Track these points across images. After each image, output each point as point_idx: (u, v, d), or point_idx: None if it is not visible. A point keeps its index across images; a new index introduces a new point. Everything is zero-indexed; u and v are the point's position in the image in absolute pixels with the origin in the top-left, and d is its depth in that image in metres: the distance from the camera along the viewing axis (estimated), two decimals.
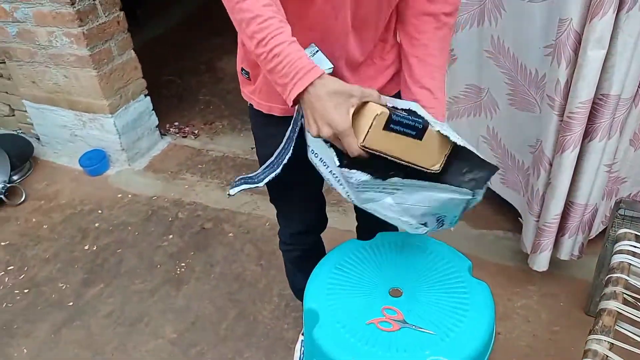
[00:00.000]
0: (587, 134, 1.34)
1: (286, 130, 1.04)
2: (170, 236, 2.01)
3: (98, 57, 2.12)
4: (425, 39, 0.98)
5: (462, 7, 1.50)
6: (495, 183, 1.81)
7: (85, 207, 2.20)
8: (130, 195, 2.24)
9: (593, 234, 1.64)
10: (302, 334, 1.49)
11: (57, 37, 2.08)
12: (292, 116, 1.02)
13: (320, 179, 1.22)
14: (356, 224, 1.43)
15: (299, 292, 1.47)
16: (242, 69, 1.06)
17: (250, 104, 1.10)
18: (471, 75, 1.65)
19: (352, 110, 0.80)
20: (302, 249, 1.30)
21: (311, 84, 0.78)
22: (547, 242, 1.53)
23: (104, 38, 2.12)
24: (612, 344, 1.03)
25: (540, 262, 1.58)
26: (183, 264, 1.88)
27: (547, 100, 1.35)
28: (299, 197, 1.20)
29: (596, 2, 1.13)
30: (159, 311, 1.71)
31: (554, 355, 1.45)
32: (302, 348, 1.46)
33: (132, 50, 2.28)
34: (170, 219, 2.09)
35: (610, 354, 1.02)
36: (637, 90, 1.31)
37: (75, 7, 1.96)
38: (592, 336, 1.06)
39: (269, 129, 1.08)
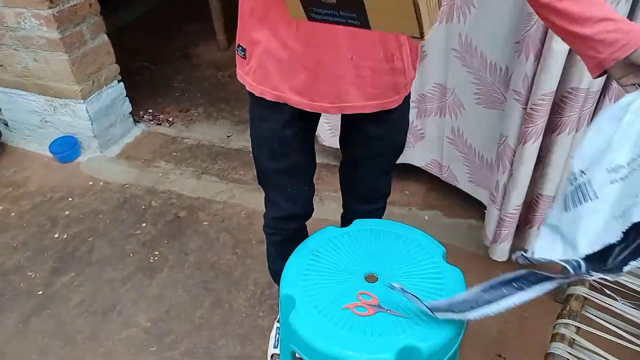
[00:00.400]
0: (556, 127, 1.37)
1: (277, 117, 1.04)
2: (144, 224, 1.98)
3: (69, 41, 2.06)
4: None
5: None
6: (463, 182, 1.85)
7: (56, 194, 2.15)
8: (102, 183, 2.20)
9: None
10: (278, 321, 1.49)
11: (26, 19, 2.01)
12: (283, 103, 1.02)
13: (314, 167, 1.22)
14: (338, 212, 1.44)
15: (276, 276, 1.47)
16: (239, 46, 1.03)
17: (251, 93, 1.08)
18: (438, 74, 1.66)
19: None
20: (284, 234, 1.30)
21: None
22: (507, 233, 1.57)
23: (75, 21, 2.06)
24: (579, 328, 1.06)
25: (500, 253, 1.62)
26: (157, 253, 1.86)
27: (514, 94, 1.38)
28: (290, 183, 1.19)
29: None
30: (132, 300, 1.69)
31: (524, 340, 1.49)
32: (277, 335, 1.47)
33: (104, 35, 2.22)
34: (143, 207, 2.06)
35: (577, 338, 1.05)
36: (610, 84, 1.34)
37: None
38: (560, 320, 1.09)
39: (262, 112, 1.08)
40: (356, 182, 1.30)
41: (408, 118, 1.19)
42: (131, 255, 1.85)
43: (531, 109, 1.32)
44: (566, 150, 1.39)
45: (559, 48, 1.21)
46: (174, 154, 2.37)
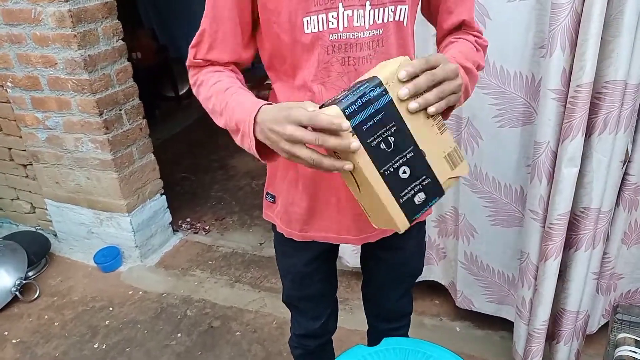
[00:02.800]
0: (572, 244, 1.42)
1: (301, 255, 1.14)
2: (179, 335, 2.03)
3: (120, 161, 2.27)
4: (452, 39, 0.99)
5: None
6: (480, 304, 1.84)
7: (97, 303, 2.25)
8: (141, 292, 2.30)
9: (595, 328, 1.69)
10: None
11: (84, 143, 2.24)
12: (310, 242, 1.10)
13: (335, 290, 1.29)
14: (366, 327, 1.46)
15: None
16: (267, 193, 1.13)
17: (276, 231, 1.16)
18: (452, 198, 1.72)
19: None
20: (307, 350, 1.35)
21: (254, 118, 0.80)
22: (537, 349, 1.56)
23: (126, 144, 2.28)
24: None
25: None
26: None
27: (531, 214, 1.45)
28: (311, 307, 1.27)
29: (566, 127, 1.27)
30: None
31: None
32: None
33: (151, 154, 2.44)
34: (179, 317, 2.13)
35: None
36: (622, 195, 1.41)
37: (102, 117, 2.14)
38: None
39: (287, 249, 1.17)
40: (376, 304, 1.34)
41: (424, 243, 1.26)
42: None
43: (549, 227, 1.39)
44: (585, 266, 1.43)
45: (568, 173, 1.31)
46: (209, 262, 2.47)
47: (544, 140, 1.34)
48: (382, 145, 0.74)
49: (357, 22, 0.88)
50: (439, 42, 1.05)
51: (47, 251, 2.53)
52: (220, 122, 0.91)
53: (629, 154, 1.38)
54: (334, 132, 0.71)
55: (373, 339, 1.42)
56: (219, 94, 0.90)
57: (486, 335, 1.87)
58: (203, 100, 0.96)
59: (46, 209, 2.60)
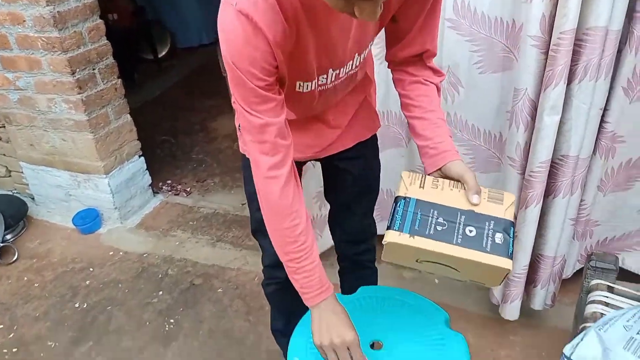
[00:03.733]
0: (551, 192, 1.43)
1: None
2: (160, 293, 2.04)
3: (95, 122, 2.22)
4: (417, 101, 1.06)
5: None
6: None
7: (77, 265, 2.23)
8: (121, 253, 2.28)
9: (570, 273, 1.73)
10: None
11: (57, 104, 2.18)
12: None
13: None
14: (337, 269, 1.53)
15: (275, 334, 1.53)
16: (240, 125, 1.14)
17: (244, 155, 1.22)
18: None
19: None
20: (278, 283, 1.36)
21: (325, 299, 0.99)
22: (516, 292, 1.60)
23: (101, 104, 2.23)
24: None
25: (511, 312, 1.64)
26: (172, 321, 1.90)
27: (509, 161, 1.46)
28: None
29: (548, 75, 1.26)
30: None
31: None
32: None
33: (128, 115, 2.38)
34: (160, 276, 2.13)
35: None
36: (599, 143, 1.42)
37: (75, 76, 2.08)
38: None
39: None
40: (342, 225, 1.42)
41: (379, 159, 1.35)
42: (147, 324, 1.90)
43: (530, 175, 1.39)
44: (562, 213, 1.45)
45: (550, 121, 1.30)
46: (191, 223, 2.46)
47: (523, 87, 1.33)
48: (439, 227, 0.89)
49: (343, 72, 1.03)
50: (392, 63, 1.09)
51: (25, 214, 2.50)
52: (285, 259, 1.00)
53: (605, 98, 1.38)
54: None
55: (341, 266, 1.52)
56: (305, 250, 0.99)
57: (464, 285, 1.90)
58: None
59: (22, 172, 2.55)
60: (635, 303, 1.26)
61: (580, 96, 1.29)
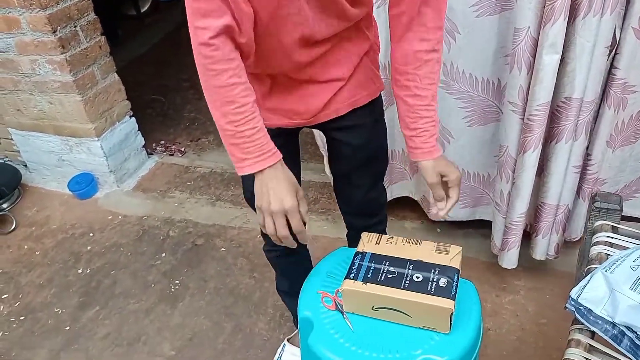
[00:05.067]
0: (553, 136, 1.40)
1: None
2: (163, 255, 2.03)
3: (82, 82, 2.14)
4: (409, 79, 1.02)
5: None
6: (455, 213, 1.83)
7: (77, 230, 2.22)
8: (120, 217, 2.26)
9: (578, 235, 1.69)
10: (287, 340, 1.53)
11: (40, 65, 2.10)
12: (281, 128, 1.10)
13: (299, 181, 1.27)
14: (346, 231, 1.47)
15: (280, 294, 1.51)
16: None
17: None
18: None
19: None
20: (280, 250, 1.32)
21: (271, 165, 0.93)
22: (514, 240, 1.59)
23: (86, 63, 2.14)
24: (594, 332, 1.08)
25: (509, 260, 1.64)
26: (177, 282, 1.90)
27: (510, 106, 1.41)
28: None
29: (547, 10, 1.19)
30: (156, 329, 1.73)
31: (543, 347, 1.50)
32: (282, 351, 1.50)
33: (115, 74, 2.31)
34: (161, 238, 2.12)
35: (593, 342, 1.06)
36: (609, 92, 1.36)
37: (56, 34, 1.99)
38: (574, 326, 1.11)
39: None
40: (348, 198, 1.33)
41: (384, 123, 1.24)
42: (153, 285, 1.90)
43: (528, 119, 1.36)
44: (565, 158, 1.42)
45: (549, 60, 1.25)
46: (188, 183, 2.43)
47: (524, 25, 1.26)
48: (389, 275, 1.01)
49: None
50: (394, 19, 1.01)
51: (19, 182, 2.45)
52: (223, 122, 0.91)
53: (617, 41, 1.31)
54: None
55: (351, 238, 1.44)
56: (246, 112, 0.90)
57: (466, 233, 1.91)
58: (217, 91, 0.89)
59: (11, 138, 2.49)
60: (639, 242, 1.27)
61: (584, 33, 1.23)
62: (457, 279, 1.00)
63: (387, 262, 1.04)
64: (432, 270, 1.01)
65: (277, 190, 0.93)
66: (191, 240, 2.08)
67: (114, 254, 2.07)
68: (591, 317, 1.06)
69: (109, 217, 2.27)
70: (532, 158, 1.41)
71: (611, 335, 1.03)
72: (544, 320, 1.58)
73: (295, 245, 0.98)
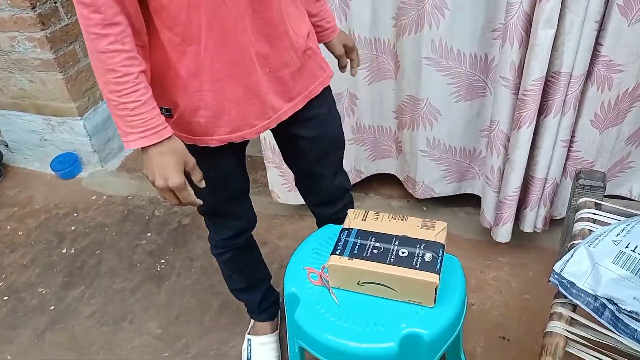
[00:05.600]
0: (542, 111, 1.40)
1: (221, 159, 1.09)
2: (149, 234, 2.02)
3: (63, 60, 2.10)
4: None
5: (400, 13, 1.50)
6: (441, 188, 1.84)
7: (60, 211, 2.19)
8: (105, 197, 2.24)
9: (563, 213, 1.70)
10: (249, 333, 1.53)
11: (20, 42, 2.05)
12: (227, 144, 1.05)
13: (247, 186, 1.25)
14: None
15: (237, 293, 1.48)
16: (161, 108, 0.96)
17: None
18: (410, 87, 1.63)
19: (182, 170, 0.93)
20: (234, 249, 1.32)
21: (157, 144, 0.88)
22: (508, 214, 1.60)
23: (67, 40, 2.10)
24: (576, 306, 1.10)
25: (504, 234, 1.66)
26: (163, 261, 1.90)
27: (502, 81, 1.40)
28: (233, 206, 1.22)
29: None
30: (142, 308, 1.73)
31: (526, 322, 1.52)
32: (249, 347, 1.50)
33: None
34: (147, 217, 2.10)
35: (574, 315, 1.08)
36: (593, 69, 1.37)
37: (36, 10, 1.94)
38: (557, 300, 1.13)
39: (202, 156, 1.01)
40: (314, 190, 1.32)
41: (337, 111, 1.23)
42: (138, 265, 1.89)
43: (523, 94, 1.35)
44: (553, 132, 1.42)
45: (544, 34, 1.25)
46: None
47: (517, 0, 1.26)
48: (375, 251, 1.02)
49: None
50: None
51: (0, 162, 2.41)
52: (106, 90, 0.84)
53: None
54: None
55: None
56: (128, 83, 0.84)
57: (452, 211, 1.92)
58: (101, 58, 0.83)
59: None
60: (622, 218, 1.29)
61: (574, 8, 1.23)
62: (442, 253, 1.01)
63: (373, 238, 1.05)
64: (418, 245, 1.02)
65: (161, 166, 0.89)
66: (177, 220, 2.07)
67: (98, 234, 2.05)
68: (574, 291, 1.08)
69: (93, 197, 2.24)
70: (527, 133, 1.41)
71: (593, 308, 1.05)
72: (527, 296, 1.60)
73: (196, 204, 0.97)
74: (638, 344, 1.00)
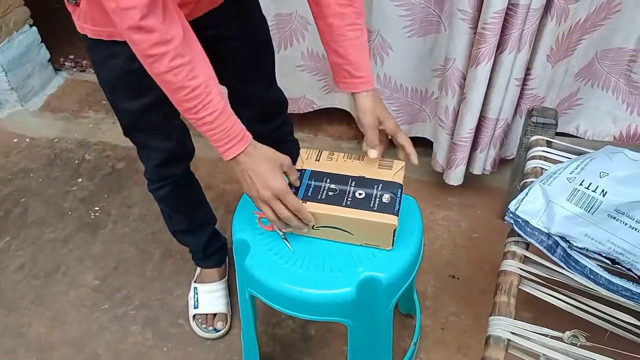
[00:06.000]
0: (498, 47, 1.35)
1: (126, 50, 0.90)
2: (79, 180, 1.86)
3: None
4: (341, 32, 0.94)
5: None
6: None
7: None
8: (27, 140, 2.03)
9: (514, 153, 1.69)
10: (195, 281, 1.46)
11: None
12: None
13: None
14: None
15: (178, 235, 1.40)
16: None
17: (84, 34, 0.95)
18: None
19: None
20: (171, 183, 1.22)
21: (244, 150, 0.86)
22: (462, 157, 1.57)
23: None
24: (529, 244, 1.09)
25: (456, 177, 1.64)
26: (97, 208, 1.76)
27: (460, 14, 1.33)
28: (157, 119, 1.09)
29: None
30: (76, 259, 1.61)
31: (476, 261, 1.54)
32: (196, 295, 1.43)
33: None
34: (76, 162, 1.93)
35: (528, 254, 1.08)
36: (552, 3, 1.31)
37: None
38: (510, 239, 1.12)
39: (109, 49, 0.94)
40: (250, 101, 1.22)
41: (262, 14, 1.15)
42: (70, 213, 1.75)
43: (482, 28, 1.29)
44: (508, 70, 1.38)
45: None
46: (104, 102, 2.19)
47: None
48: (331, 193, 0.96)
49: None
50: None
51: None
52: (181, 109, 0.82)
53: None
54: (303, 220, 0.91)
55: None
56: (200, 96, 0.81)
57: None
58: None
59: None
60: (572, 156, 1.29)
61: None
62: (401, 194, 0.96)
63: (328, 180, 0.98)
64: (375, 186, 0.97)
65: (259, 174, 0.87)
66: (110, 165, 1.92)
67: (22, 180, 1.87)
68: (528, 229, 1.07)
69: (14, 140, 2.03)
70: (484, 70, 1.36)
71: (546, 246, 1.05)
72: (475, 235, 1.61)
73: (304, 228, 0.94)
74: (588, 280, 1.01)
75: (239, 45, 1.10)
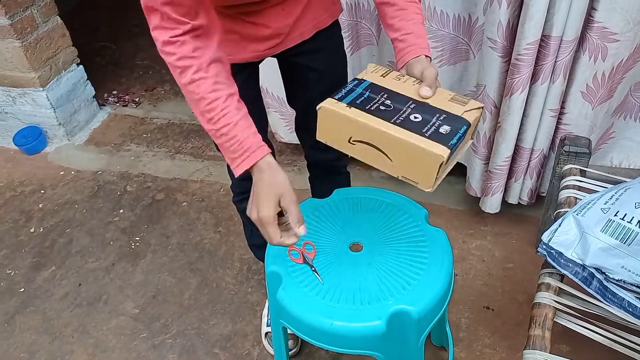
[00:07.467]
0: (532, 77, 1.35)
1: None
2: (121, 211, 1.94)
3: (20, 26, 1.95)
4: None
5: None
6: None
7: (26, 188, 2.08)
8: (73, 172, 2.14)
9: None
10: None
11: None
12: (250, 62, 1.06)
13: (265, 114, 1.23)
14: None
15: (254, 249, 1.46)
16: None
17: None
18: (391, 52, 1.57)
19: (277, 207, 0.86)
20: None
21: (257, 164, 0.87)
22: (498, 185, 1.57)
23: (24, 4, 1.95)
24: (564, 276, 1.08)
25: (493, 204, 1.63)
26: (137, 238, 1.82)
27: (489, 43, 1.34)
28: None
29: None
30: (117, 288, 1.67)
31: (510, 291, 1.52)
32: (270, 313, 1.46)
33: (57, 17, 2.11)
34: (118, 193, 2.01)
35: (562, 285, 1.06)
36: (585, 36, 1.30)
37: None
38: (544, 270, 1.11)
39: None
40: (312, 130, 1.26)
41: (344, 50, 1.21)
42: (112, 243, 1.82)
43: (516, 59, 1.29)
44: (541, 100, 1.38)
45: None
46: (145, 135, 2.31)
47: None
48: (382, 107, 0.82)
49: None
50: None
51: None
52: (204, 121, 0.87)
53: None
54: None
55: (312, 170, 1.43)
56: (218, 107, 0.85)
57: None
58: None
59: None
60: (607, 185, 1.27)
61: None
62: (464, 133, 0.81)
63: (385, 95, 0.86)
64: (437, 115, 0.82)
65: (258, 195, 0.87)
66: (150, 195, 1.99)
67: (68, 211, 1.96)
68: (562, 261, 1.06)
69: (61, 173, 2.14)
70: (519, 100, 1.36)
71: (581, 278, 1.03)
72: (510, 265, 1.59)
73: (284, 244, 0.89)
74: (626, 313, 0.99)
75: (316, 76, 1.15)
